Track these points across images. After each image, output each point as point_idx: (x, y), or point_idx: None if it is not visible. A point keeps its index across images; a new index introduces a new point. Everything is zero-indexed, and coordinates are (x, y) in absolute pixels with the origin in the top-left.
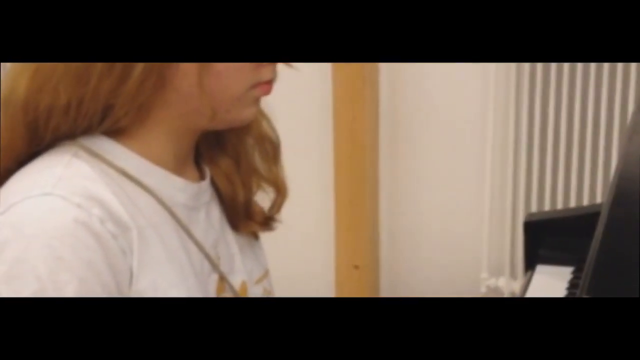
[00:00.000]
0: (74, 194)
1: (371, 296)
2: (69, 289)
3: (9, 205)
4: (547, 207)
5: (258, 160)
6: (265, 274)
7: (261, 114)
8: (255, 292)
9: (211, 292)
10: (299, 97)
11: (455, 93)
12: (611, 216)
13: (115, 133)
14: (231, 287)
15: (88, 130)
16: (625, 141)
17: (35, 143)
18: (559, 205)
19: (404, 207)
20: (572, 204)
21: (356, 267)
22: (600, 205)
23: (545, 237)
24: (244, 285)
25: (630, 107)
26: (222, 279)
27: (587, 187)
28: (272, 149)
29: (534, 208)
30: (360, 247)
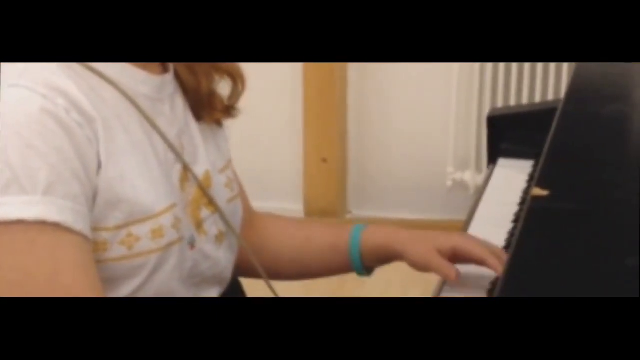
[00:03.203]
0: (38, 85)
1: (338, 190)
2: (41, 175)
3: None
4: (512, 102)
5: None
6: (228, 163)
7: None
8: (219, 180)
9: (175, 182)
10: None
11: None
12: (564, 111)
13: None
14: (194, 177)
15: None
16: None
17: None
18: (524, 101)
19: (372, 101)
20: (538, 99)
21: (324, 160)
22: None
23: (507, 132)
24: (207, 174)
25: None
26: (186, 168)
27: (552, 84)
28: None
29: (500, 104)
30: (328, 140)
